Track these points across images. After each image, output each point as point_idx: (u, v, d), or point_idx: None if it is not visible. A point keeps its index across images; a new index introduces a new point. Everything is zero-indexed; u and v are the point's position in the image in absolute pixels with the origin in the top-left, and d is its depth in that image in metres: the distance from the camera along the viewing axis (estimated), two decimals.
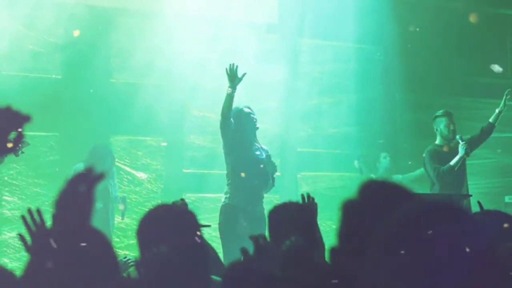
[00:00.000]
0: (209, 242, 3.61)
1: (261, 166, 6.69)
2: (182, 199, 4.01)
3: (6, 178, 8.30)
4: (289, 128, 9.60)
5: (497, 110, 7.87)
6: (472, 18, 10.41)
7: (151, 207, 2.95)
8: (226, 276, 2.63)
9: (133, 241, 2.84)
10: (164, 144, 9.02)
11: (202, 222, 2.91)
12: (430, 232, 1.50)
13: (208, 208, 8.31)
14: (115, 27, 8.67)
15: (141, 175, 8.94)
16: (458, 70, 10.51)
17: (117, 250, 2.00)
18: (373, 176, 8.98)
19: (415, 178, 9.00)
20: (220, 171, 7.21)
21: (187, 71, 8.79)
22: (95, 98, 8.46)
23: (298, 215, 3.47)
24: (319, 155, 9.82)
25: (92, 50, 8.47)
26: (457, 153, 7.55)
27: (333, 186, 9.76)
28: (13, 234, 7.95)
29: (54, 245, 1.92)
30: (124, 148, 8.88)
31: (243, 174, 6.58)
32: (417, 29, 10.12)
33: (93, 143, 7.83)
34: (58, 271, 1.85)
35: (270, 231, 3.48)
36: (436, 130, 7.75)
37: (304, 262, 2.79)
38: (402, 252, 1.50)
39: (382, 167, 9.40)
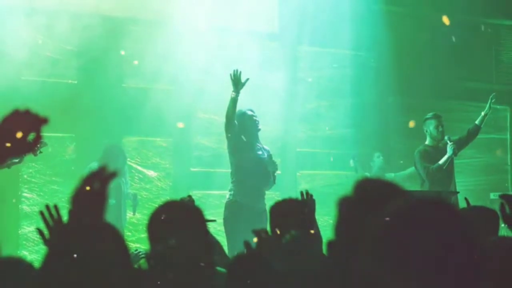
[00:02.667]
0: (215, 235, 3.61)
1: (263, 165, 6.69)
2: (190, 196, 4.01)
3: (25, 176, 8.31)
4: (289, 130, 9.60)
5: (482, 113, 7.87)
6: (461, 27, 10.40)
7: (161, 203, 2.95)
8: (230, 267, 2.63)
9: (144, 235, 2.84)
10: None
11: (208, 217, 2.91)
12: (419, 226, 1.50)
13: (214, 204, 8.31)
14: (126, 36, 8.66)
15: (151, 173, 8.94)
16: (447, 75, 10.50)
17: (129, 243, 2.00)
18: (367, 174, 8.97)
19: (407, 176, 9.00)
20: (225, 169, 7.21)
21: (193, 76, 8.79)
22: (108, 101, 8.45)
23: (298, 211, 3.46)
24: (317, 154, 9.82)
25: (105, 57, 8.46)
26: (445, 153, 7.54)
27: (330, 184, 9.75)
28: (32, 228, 7.96)
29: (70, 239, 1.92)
30: (135, 148, 8.88)
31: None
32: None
33: (106, 144, 7.84)
34: (73, 263, 1.85)
35: (271, 226, 3.47)
36: (426, 131, 7.74)
37: (303, 254, 2.79)
38: (394, 244, 1.50)
39: (375, 166, 9.39)
